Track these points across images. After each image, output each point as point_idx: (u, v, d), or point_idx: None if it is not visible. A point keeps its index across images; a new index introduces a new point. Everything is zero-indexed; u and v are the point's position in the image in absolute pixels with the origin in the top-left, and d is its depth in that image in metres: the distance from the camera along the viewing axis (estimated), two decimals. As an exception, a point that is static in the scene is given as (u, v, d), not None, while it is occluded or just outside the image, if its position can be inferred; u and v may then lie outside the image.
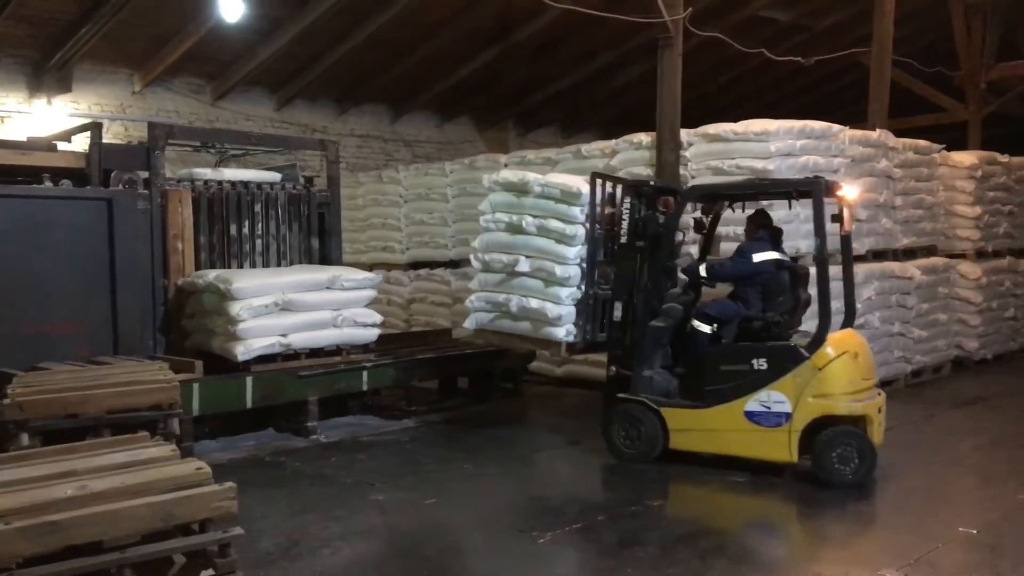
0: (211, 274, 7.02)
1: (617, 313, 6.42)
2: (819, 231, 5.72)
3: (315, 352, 7.19)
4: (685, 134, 8.16)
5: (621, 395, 6.11)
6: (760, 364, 5.66)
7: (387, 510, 5.21)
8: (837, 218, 5.81)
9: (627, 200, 6.33)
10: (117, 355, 6.51)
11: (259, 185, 7.81)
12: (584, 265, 6.51)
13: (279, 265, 7.83)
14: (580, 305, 6.48)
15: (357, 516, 5.05)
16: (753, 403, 5.63)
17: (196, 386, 6.32)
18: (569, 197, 6.47)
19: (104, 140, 7.49)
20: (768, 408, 5.59)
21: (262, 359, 6.85)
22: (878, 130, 9.01)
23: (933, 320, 9.22)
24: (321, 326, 7.18)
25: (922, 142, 9.44)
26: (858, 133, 8.41)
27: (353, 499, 5.39)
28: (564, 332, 6.45)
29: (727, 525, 5.09)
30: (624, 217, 6.34)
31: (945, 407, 8.12)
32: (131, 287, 6.85)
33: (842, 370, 5.57)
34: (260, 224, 7.75)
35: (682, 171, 8.09)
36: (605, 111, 15.56)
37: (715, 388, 5.78)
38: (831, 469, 5.46)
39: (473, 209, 10.06)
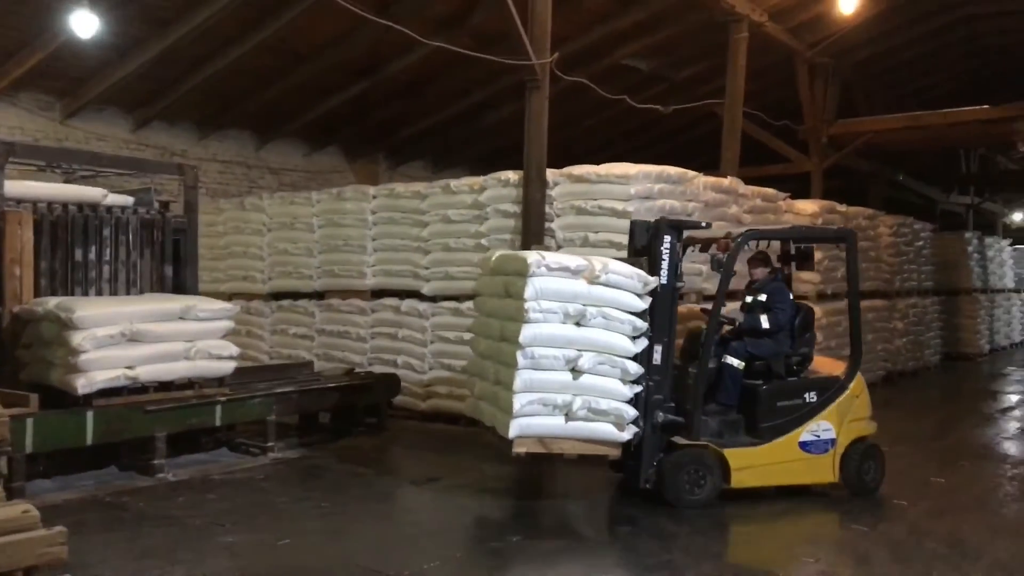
0: (51, 301, 6.58)
1: (657, 357, 5.93)
2: (852, 275, 6.54)
3: (165, 385, 6.84)
4: (551, 174, 8.38)
5: (679, 440, 5.92)
6: (811, 397, 6.18)
7: (237, 552, 4.99)
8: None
9: (667, 239, 6.00)
10: (-61, 388, 5.99)
11: (109, 209, 7.41)
12: None
13: (128, 293, 7.43)
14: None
15: (204, 559, 4.80)
16: (806, 434, 6.11)
17: (30, 421, 5.87)
18: (634, 286, 5.84)
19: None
20: (818, 436, 6.14)
21: (106, 392, 6.44)
22: (729, 177, 9.54)
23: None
24: (172, 358, 6.85)
25: (769, 190, 10.05)
26: (711, 179, 8.87)
27: (201, 541, 5.13)
28: (630, 432, 5.84)
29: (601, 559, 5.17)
30: (664, 257, 5.98)
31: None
32: (-41, 314, 6.34)
33: (866, 396, 6.41)
34: (108, 250, 7.35)
35: (547, 209, 8.28)
36: (475, 148, 15.76)
37: (772, 424, 6.10)
38: (863, 480, 6.24)
39: (340, 240, 10.01)
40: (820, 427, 6.14)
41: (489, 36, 10.21)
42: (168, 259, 7.77)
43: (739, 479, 5.97)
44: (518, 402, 5.61)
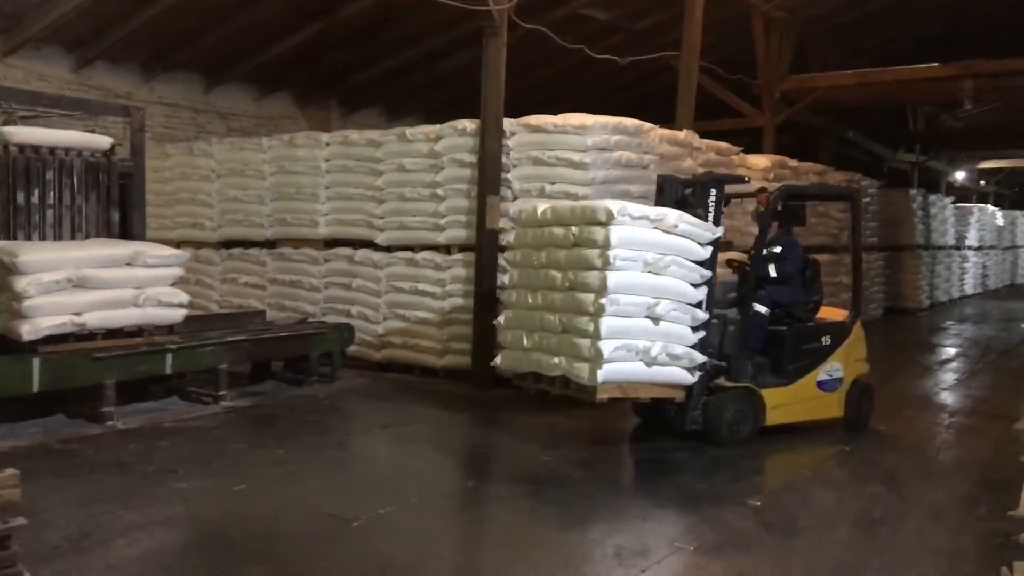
0: (-7, 245, 6.39)
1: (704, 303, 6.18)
2: (857, 229, 7.33)
3: (113, 333, 6.72)
4: (508, 124, 8.30)
5: (723, 383, 6.28)
6: (827, 340, 6.73)
7: (190, 498, 4.97)
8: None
9: (713, 192, 6.25)
10: None
11: (52, 151, 7.16)
12: None
13: (74, 239, 7.23)
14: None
15: (157, 505, 4.78)
16: (823, 374, 6.67)
17: (-28, 368, 5.75)
18: (702, 236, 6.06)
19: None
20: (831, 376, 6.71)
21: (52, 339, 6.31)
22: (685, 131, 9.57)
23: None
24: (120, 305, 6.71)
25: (723, 144, 10.12)
26: (667, 132, 8.89)
27: (153, 488, 5.10)
28: (695, 375, 6.05)
29: (544, 501, 5.27)
30: (711, 210, 6.22)
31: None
32: None
33: (864, 339, 7.01)
34: (52, 193, 7.12)
35: (504, 159, 8.23)
36: (431, 96, 15.52)
37: (797, 365, 6.59)
38: (860, 415, 6.88)
39: (292, 188, 9.84)
40: (833, 367, 6.72)
41: (446, -20, 10.01)
42: (115, 204, 7.55)
43: (773, 417, 6.43)
44: (606, 348, 5.64)
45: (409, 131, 9.02)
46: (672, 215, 5.93)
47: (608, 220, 5.73)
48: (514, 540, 4.55)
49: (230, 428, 6.67)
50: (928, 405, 8.39)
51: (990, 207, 24.81)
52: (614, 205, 5.81)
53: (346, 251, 9.43)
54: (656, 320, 5.83)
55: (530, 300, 6.27)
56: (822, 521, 4.92)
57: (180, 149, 11.13)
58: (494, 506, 5.20)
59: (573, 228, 5.98)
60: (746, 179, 6.94)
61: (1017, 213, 27.66)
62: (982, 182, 30.74)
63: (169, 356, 6.97)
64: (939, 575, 4.16)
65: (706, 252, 6.05)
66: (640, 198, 8.26)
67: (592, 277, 5.75)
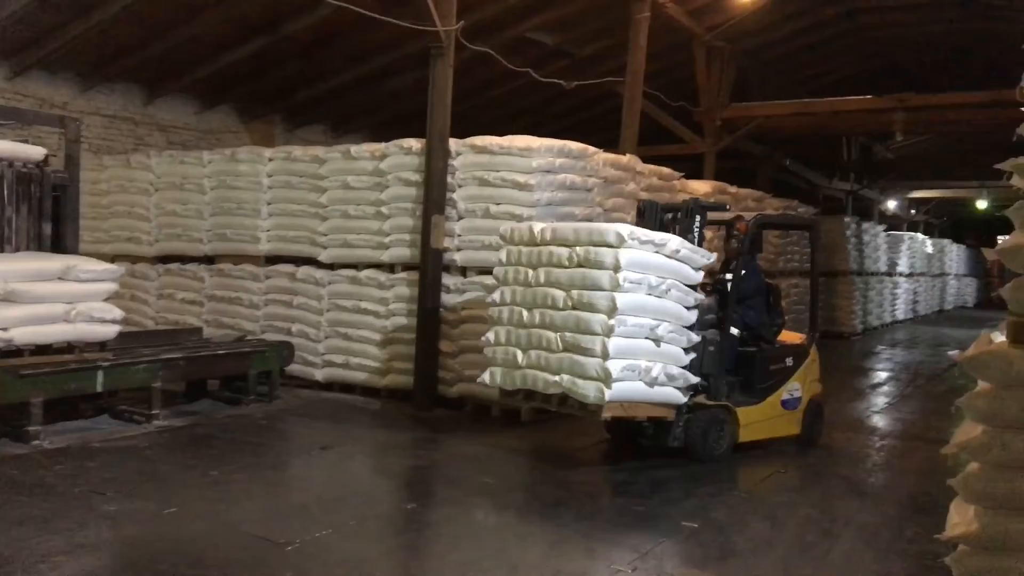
0: (-85, 257, 6.15)
1: None
2: (815, 255, 8.12)
3: (42, 349, 6.53)
4: (454, 144, 8.32)
5: (703, 401, 6.45)
6: (790, 361, 7.07)
7: (119, 521, 4.82)
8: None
9: (698, 219, 6.64)
10: None
11: (-19, 161, 6.95)
12: None
13: (2, 251, 7.00)
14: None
15: (84, 528, 4.62)
16: (786, 393, 6.99)
17: None
18: (697, 262, 6.28)
19: None
20: (792, 395, 7.05)
21: (-24, 356, 6.10)
22: (628, 155, 9.72)
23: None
24: (50, 320, 6.53)
25: (665, 169, 10.30)
26: (611, 156, 9.01)
27: (80, 510, 4.93)
28: (686, 395, 6.28)
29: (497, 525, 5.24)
30: (695, 235, 6.56)
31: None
32: None
33: (818, 361, 7.40)
34: (-20, 204, 6.90)
35: (449, 179, 8.23)
36: (377, 114, 15.46)
37: (765, 385, 6.87)
38: (813, 433, 7.22)
39: (233, 203, 9.69)
40: (794, 387, 7.07)
41: None
42: (47, 216, 7.35)
43: (744, 434, 6.68)
44: (614, 368, 5.76)
45: (354, 148, 8.98)
46: (674, 241, 6.16)
47: (619, 243, 5.88)
48: (452, 564, 4.51)
49: (162, 448, 6.50)
50: (860, 428, 8.60)
51: (920, 235, 25.68)
52: (623, 229, 5.97)
53: (287, 268, 9.31)
54: (658, 341, 6.00)
55: (525, 318, 6.28)
56: (756, 544, 4.99)
57: (117, 161, 10.88)
58: (434, 529, 5.15)
59: (578, 249, 6.04)
60: (727, 207, 7.51)
61: (946, 241, 28.68)
62: (913, 211, 31.85)
63: (100, 374, 6.77)
64: (869, 596, 4.25)
65: (699, 276, 6.35)
66: (584, 221, 8.37)
67: (600, 298, 5.86)
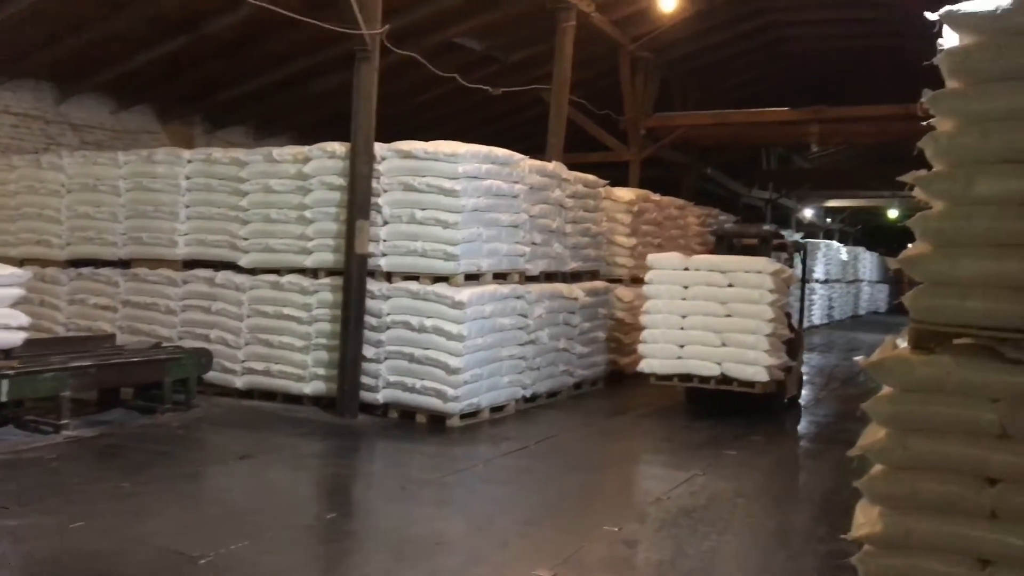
0: None
1: None
2: (804, 275, 10.10)
3: (-60, 357, 6.21)
4: (379, 148, 8.25)
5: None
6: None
7: (21, 537, 4.61)
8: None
9: (770, 244, 9.08)
10: None
11: None
12: None
13: (-103, 254, 6.66)
14: None
15: (-17, 546, 4.41)
16: None
17: None
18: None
19: None
20: None
21: None
22: (554, 162, 9.79)
23: (593, 337, 10.18)
24: (-50, 327, 6.22)
25: (591, 177, 10.41)
26: (536, 163, 9.07)
27: (-21, 526, 4.70)
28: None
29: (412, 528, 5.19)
30: (772, 256, 8.95)
31: (600, 416, 9.02)
32: None
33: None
34: None
35: (374, 184, 8.16)
36: (301, 117, 15.22)
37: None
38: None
39: (149, 206, 9.41)
40: None
41: (318, 0, 9.88)
42: (-53, 218, 7.01)
43: None
44: (767, 356, 8.47)
45: (276, 151, 8.83)
46: (787, 271, 8.82)
47: (766, 270, 8.54)
48: (372, 575, 4.45)
49: (71, 460, 6.25)
50: (779, 431, 8.83)
51: (835, 243, 26.57)
52: (769, 264, 8.61)
53: (206, 273, 9.08)
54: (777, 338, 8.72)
55: (681, 322, 8.77)
56: (670, 544, 5.06)
57: (27, 161, 10.46)
58: (354, 540, 5.08)
59: (732, 274, 8.64)
60: (782, 234, 10.30)
61: (860, 249, 29.74)
62: (828, 219, 32.96)
63: (5, 382, 6.48)
64: (782, 596, 4.36)
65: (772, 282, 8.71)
66: (510, 227, 8.40)
67: (758, 310, 8.51)
